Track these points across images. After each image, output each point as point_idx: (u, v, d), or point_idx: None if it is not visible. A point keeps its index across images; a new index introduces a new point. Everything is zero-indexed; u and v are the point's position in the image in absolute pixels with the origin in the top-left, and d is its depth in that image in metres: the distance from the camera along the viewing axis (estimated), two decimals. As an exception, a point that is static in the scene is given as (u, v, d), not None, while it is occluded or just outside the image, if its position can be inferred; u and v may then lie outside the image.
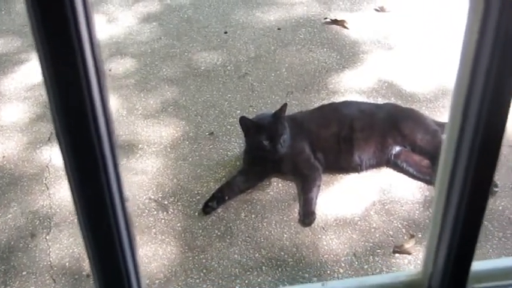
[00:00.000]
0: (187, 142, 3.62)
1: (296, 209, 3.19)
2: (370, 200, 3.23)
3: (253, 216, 3.17)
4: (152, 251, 2.99)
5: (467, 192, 0.59)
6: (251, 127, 3.26)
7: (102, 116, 0.52)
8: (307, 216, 3.13)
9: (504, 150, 3.46)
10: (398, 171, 3.36)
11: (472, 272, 0.67)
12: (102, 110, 0.52)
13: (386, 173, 3.38)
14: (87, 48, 0.48)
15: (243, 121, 3.27)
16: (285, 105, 3.29)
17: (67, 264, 2.93)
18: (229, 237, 3.06)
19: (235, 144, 3.57)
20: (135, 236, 0.59)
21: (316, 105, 3.67)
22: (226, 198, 3.23)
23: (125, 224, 0.56)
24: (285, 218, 3.15)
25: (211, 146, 3.59)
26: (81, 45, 0.48)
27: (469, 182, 0.58)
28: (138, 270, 0.62)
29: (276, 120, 3.25)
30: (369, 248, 2.97)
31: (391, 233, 3.05)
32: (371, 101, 3.84)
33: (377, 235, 3.04)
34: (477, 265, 0.69)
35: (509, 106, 0.53)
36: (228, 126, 3.71)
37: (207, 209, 3.18)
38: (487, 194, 0.59)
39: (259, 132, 3.23)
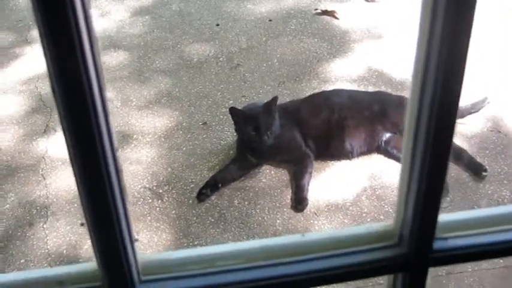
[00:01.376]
0: (181, 132, 3.68)
1: (288, 196, 3.25)
2: (361, 186, 3.29)
3: (246, 203, 3.22)
4: (148, 238, 3.05)
5: (429, 147, 0.65)
6: (240, 117, 3.30)
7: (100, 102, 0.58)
8: (299, 202, 3.18)
9: (493, 135, 3.53)
10: (388, 157, 3.42)
11: (441, 222, 0.73)
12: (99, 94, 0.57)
13: (377, 160, 3.44)
14: (85, 38, 0.54)
15: (233, 111, 3.31)
16: (276, 97, 3.32)
17: (64, 251, 2.98)
18: (222, 223, 3.11)
19: (228, 133, 3.62)
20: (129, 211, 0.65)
21: (308, 94, 3.72)
22: (220, 185, 3.28)
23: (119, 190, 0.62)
24: (277, 204, 3.20)
25: (204, 136, 3.64)
26: (79, 35, 0.53)
27: (430, 139, 0.63)
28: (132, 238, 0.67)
29: (265, 112, 3.29)
30: (360, 232, 3.02)
31: (382, 217, 3.11)
32: (362, 89, 3.90)
33: (368, 220, 3.10)
34: (446, 217, 0.75)
35: (465, 62, 0.59)
36: (221, 116, 3.75)
37: (201, 196, 3.23)
38: (448, 151, 0.65)
39: (247, 122, 3.27)
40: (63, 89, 0.55)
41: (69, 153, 0.59)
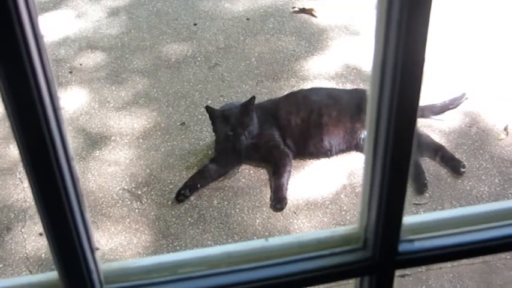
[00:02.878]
0: (159, 133, 3.66)
1: (267, 195, 3.24)
2: (340, 184, 3.29)
3: (225, 203, 3.21)
4: (127, 240, 3.03)
5: (390, 149, 0.64)
6: (217, 117, 3.30)
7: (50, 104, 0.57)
8: (278, 202, 3.18)
9: (471, 131, 3.54)
10: (367, 154, 3.41)
11: (406, 224, 0.72)
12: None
13: (356, 157, 3.44)
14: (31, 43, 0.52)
15: (209, 110, 3.30)
16: (253, 97, 3.32)
17: (43, 255, 2.96)
18: (202, 224, 3.10)
19: (207, 134, 3.61)
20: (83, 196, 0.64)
21: (286, 92, 3.72)
22: (199, 186, 3.27)
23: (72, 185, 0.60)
24: (256, 204, 3.20)
25: (183, 136, 3.62)
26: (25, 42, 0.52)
27: (391, 135, 0.63)
28: (88, 231, 0.66)
29: (242, 111, 3.29)
30: (339, 230, 3.02)
31: (361, 214, 3.11)
32: (340, 86, 3.90)
33: (347, 217, 3.10)
34: (411, 218, 0.74)
35: (424, 52, 0.58)
36: (199, 116, 3.74)
37: (180, 197, 3.22)
38: (409, 153, 0.64)
39: (224, 122, 3.27)
40: (12, 99, 0.53)
41: (24, 165, 0.58)
